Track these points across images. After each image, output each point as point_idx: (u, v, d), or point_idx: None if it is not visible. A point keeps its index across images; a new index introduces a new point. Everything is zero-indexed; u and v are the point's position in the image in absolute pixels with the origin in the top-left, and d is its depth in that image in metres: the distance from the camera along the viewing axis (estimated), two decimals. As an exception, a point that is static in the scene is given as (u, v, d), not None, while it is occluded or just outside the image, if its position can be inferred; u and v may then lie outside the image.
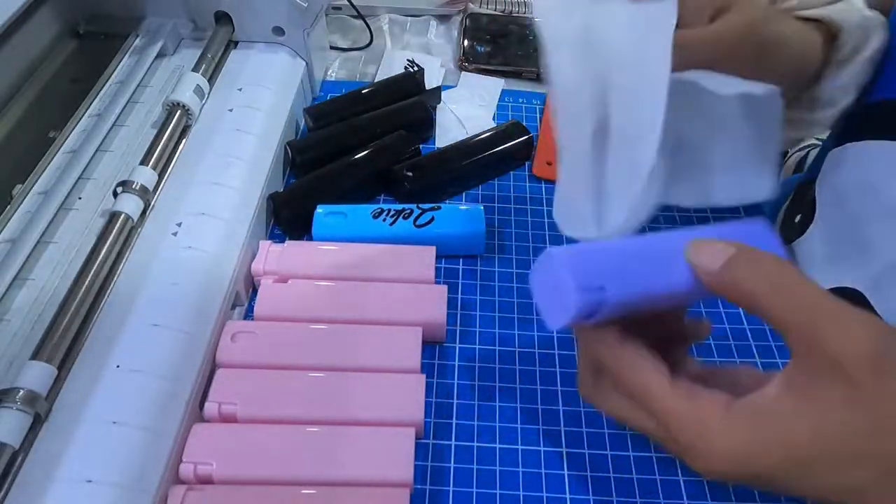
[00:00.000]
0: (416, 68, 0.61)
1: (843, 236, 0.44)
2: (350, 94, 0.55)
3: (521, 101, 0.60)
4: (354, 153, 0.49)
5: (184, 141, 0.47)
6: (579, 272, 0.25)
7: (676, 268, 0.27)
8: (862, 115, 0.43)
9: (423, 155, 0.51)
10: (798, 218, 0.49)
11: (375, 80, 0.60)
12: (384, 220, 0.45)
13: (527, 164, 0.54)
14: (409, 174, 0.48)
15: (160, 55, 0.54)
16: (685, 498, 0.36)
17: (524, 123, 0.53)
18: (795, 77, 0.40)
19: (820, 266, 0.45)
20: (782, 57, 0.37)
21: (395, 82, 0.57)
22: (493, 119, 0.58)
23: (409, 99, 0.54)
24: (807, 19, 0.39)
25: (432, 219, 0.45)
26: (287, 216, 0.47)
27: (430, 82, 0.58)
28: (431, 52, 0.65)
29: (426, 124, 0.54)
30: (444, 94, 0.58)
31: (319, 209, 0.45)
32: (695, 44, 0.32)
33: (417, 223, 0.45)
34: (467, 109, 0.58)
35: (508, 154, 0.52)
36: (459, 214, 0.46)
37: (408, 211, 0.46)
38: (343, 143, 0.50)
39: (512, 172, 0.53)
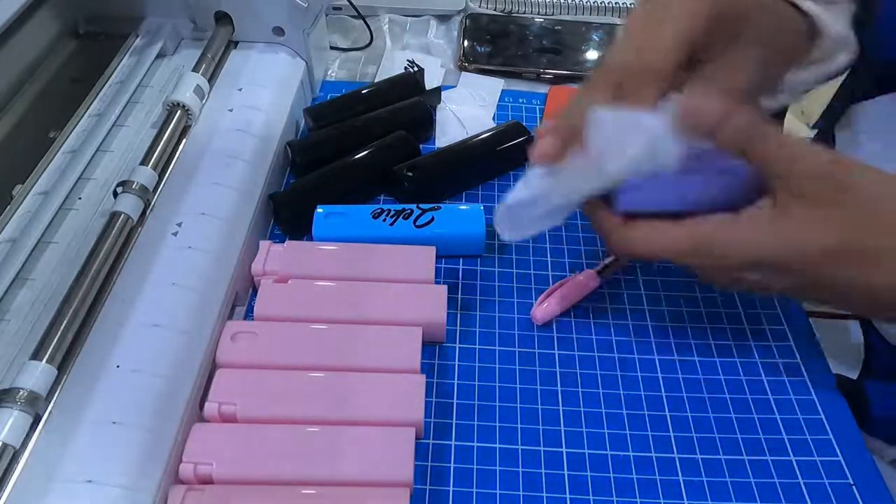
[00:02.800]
0: (416, 69, 0.61)
1: None
2: (350, 95, 0.55)
3: (521, 101, 0.60)
4: (355, 153, 0.49)
5: (184, 141, 0.47)
6: None
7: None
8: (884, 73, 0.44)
9: (422, 155, 0.51)
10: None
11: (375, 81, 0.60)
12: (384, 220, 0.45)
13: (526, 164, 0.54)
14: (410, 174, 0.48)
15: (160, 55, 0.54)
16: (685, 498, 0.36)
17: (524, 123, 0.53)
18: (774, 50, 0.38)
19: None
20: (763, 26, 0.36)
21: (394, 82, 0.57)
22: (493, 119, 0.58)
23: (409, 99, 0.54)
24: (797, 7, 0.39)
25: (432, 219, 0.45)
26: (287, 216, 0.47)
27: (431, 82, 0.59)
28: (431, 52, 0.65)
29: (426, 124, 0.54)
30: (444, 93, 0.58)
31: (320, 209, 0.45)
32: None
33: (417, 223, 0.45)
34: (467, 110, 0.58)
35: (508, 154, 0.52)
36: (459, 215, 0.46)
37: (408, 211, 0.46)
38: (343, 144, 0.50)
39: (512, 173, 0.53)
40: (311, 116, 0.53)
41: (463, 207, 0.47)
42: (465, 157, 0.51)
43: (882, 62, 0.43)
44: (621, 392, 0.40)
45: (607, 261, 0.44)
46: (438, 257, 0.44)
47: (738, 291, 0.38)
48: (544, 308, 0.42)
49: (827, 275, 0.31)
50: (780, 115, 0.48)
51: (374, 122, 0.52)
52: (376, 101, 0.54)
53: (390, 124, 0.52)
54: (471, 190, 0.51)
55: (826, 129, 0.52)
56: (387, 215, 0.45)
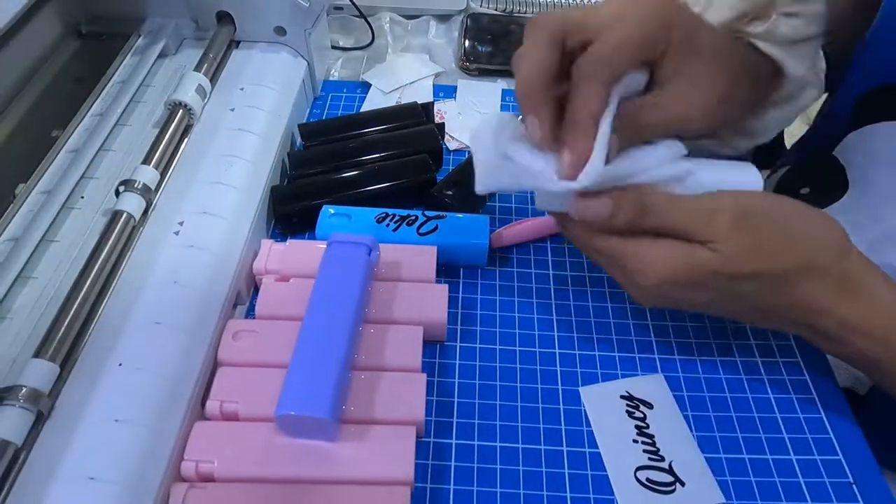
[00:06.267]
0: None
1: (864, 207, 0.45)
2: (348, 117, 0.55)
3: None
4: (362, 166, 0.49)
5: (186, 140, 0.47)
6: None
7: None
8: (868, 101, 0.45)
9: (452, 169, 0.50)
10: (806, 190, 0.52)
11: (361, 110, 0.58)
12: (387, 225, 0.45)
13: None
14: (450, 192, 0.48)
15: (162, 55, 0.54)
16: (685, 496, 0.36)
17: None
18: (741, 75, 0.38)
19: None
20: (723, 50, 0.37)
21: (398, 111, 0.55)
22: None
23: (419, 127, 0.53)
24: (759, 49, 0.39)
25: (436, 227, 0.45)
26: (284, 212, 0.47)
27: (421, 97, 0.58)
28: (432, 52, 0.65)
29: (436, 154, 0.52)
30: (444, 102, 0.58)
31: (331, 209, 0.45)
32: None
33: (420, 231, 0.45)
34: (470, 121, 0.57)
35: None
36: (463, 224, 0.46)
37: (412, 217, 0.45)
38: (343, 161, 0.50)
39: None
40: (303, 135, 0.52)
41: (466, 217, 0.46)
42: None
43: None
44: (622, 391, 0.40)
45: None
46: (440, 265, 0.44)
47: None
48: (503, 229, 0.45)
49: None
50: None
51: (381, 145, 0.51)
52: (379, 123, 0.53)
53: (399, 149, 0.51)
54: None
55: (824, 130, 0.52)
56: (390, 220, 0.45)
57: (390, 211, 0.46)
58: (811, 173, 0.53)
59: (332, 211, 0.46)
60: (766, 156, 0.74)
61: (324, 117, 0.57)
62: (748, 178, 0.35)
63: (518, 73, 0.33)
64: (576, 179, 0.33)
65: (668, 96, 0.35)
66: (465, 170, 0.50)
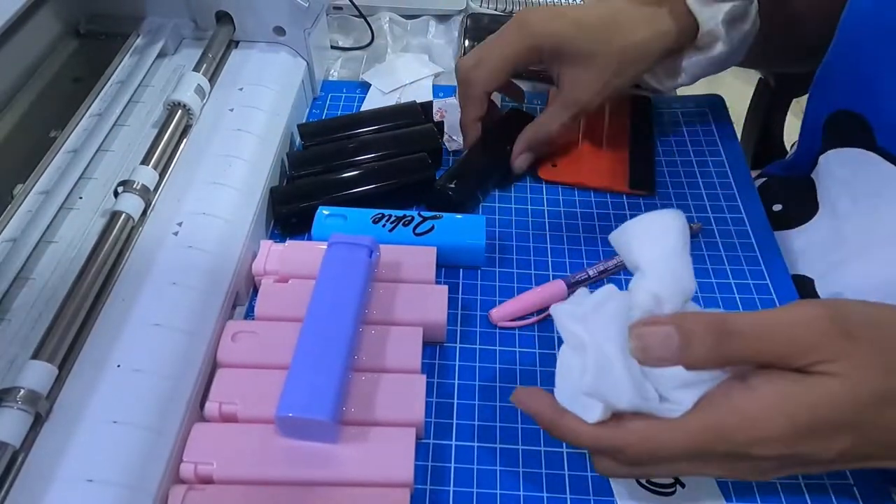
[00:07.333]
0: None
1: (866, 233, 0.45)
2: (348, 117, 0.55)
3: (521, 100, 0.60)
4: (361, 166, 0.49)
5: (185, 140, 0.47)
6: None
7: None
8: (831, 125, 0.46)
9: (451, 165, 0.51)
10: (778, 208, 0.52)
11: (361, 110, 0.58)
12: (384, 225, 0.45)
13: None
14: (452, 186, 0.48)
15: (161, 55, 0.54)
16: (686, 498, 0.36)
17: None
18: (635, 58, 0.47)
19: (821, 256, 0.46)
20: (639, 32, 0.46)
21: (397, 111, 0.55)
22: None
23: (419, 126, 0.53)
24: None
25: (432, 227, 0.45)
26: (283, 212, 0.47)
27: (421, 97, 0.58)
28: (431, 53, 0.65)
29: (436, 153, 0.52)
30: (443, 101, 0.58)
31: (325, 210, 0.45)
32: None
33: (417, 231, 0.45)
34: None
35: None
36: (460, 224, 0.45)
37: (408, 218, 0.45)
38: (343, 161, 0.50)
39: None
40: (304, 135, 0.52)
41: (463, 217, 0.46)
42: (489, 156, 0.51)
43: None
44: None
45: (580, 276, 0.44)
46: (437, 266, 0.43)
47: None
48: (501, 308, 0.43)
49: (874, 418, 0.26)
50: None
51: (379, 145, 0.51)
52: (376, 124, 0.53)
53: (399, 148, 0.51)
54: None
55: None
56: (387, 221, 0.45)
57: (386, 212, 0.46)
58: (785, 190, 0.53)
59: (326, 212, 0.45)
60: (762, 153, 0.75)
61: (323, 117, 0.57)
62: (664, 218, 0.32)
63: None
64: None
65: (560, 91, 0.48)
66: (467, 163, 0.51)
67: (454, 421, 0.38)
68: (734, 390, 0.27)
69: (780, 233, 0.49)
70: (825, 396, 0.25)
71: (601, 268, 0.45)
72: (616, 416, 0.30)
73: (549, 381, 0.40)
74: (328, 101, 0.59)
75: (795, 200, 0.50)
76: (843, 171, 0.45)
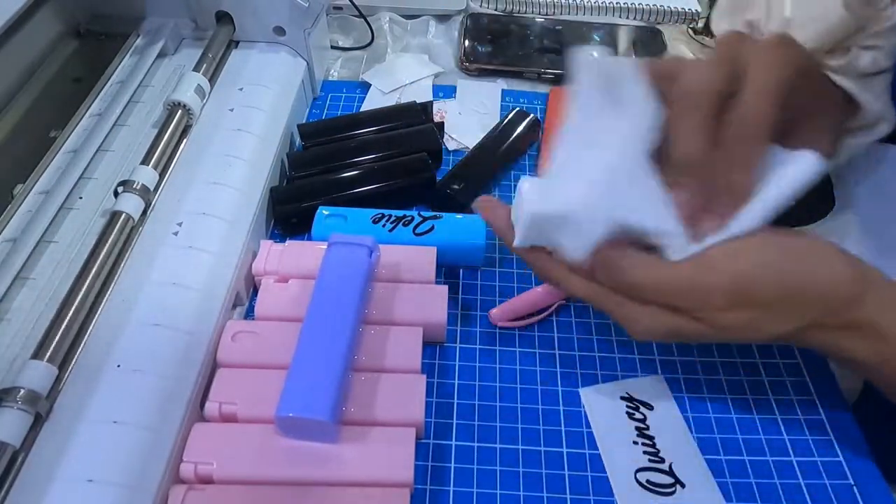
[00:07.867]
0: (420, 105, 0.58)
1: (886, 231, 0.44)
2: (348, 117, 0.55)
3: (522, 101, 0.60)
4: (361, 166, 0.49)
5: (185, 141, 0.47)
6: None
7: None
8: None
9: (453, 166, 0.51)
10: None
11: (361, 110, 0.58)
12: (383, 225, 0.45)
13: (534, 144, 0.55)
14: (455, 186, 0.48)
15: (161, 55, 0.54)
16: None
17: (525, 123, 0.53)
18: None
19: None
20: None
21: (397, 111, 0.55)
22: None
23: (418, 126, 0.53)
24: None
25: (432, 227, 0.45)
26: (283, 212, 0.47)
27: (421, 97, 0.58)
28: (431, 53, 0.65)
29: (435, 153, 0.52)
30: (444, 102, 0.58)
31: (325, 210, 0.45)
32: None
33: (417, 231, 0.45)
34: (469, 120, 0.57)
35: (519, 140, 0.53)
36: (460, 224, 0.45)
37: (408, 218, 0.45)
38: (343, 161, 0.50)
39: (512, 173, 0.53)
40: (303, 135, 0.52)
41: (463, 217, 0.46)
42: (491, 158, 0.51)
43: None
44: (622, 392, 0.40)
45: None
46: (437, 266, 0.43)
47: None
48: (501, 308, 0.43)
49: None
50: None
51: (380, 145, 0.51)
52: (378, 123, 0.53)
53: (399, 148, 0.51)
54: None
55: None
56: (387, 221, 0.45)
57: (386, 212, 0.46)
58: None
59: (326, 212, 0.45)
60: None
61: (323, 117, 0.57)
62: (804, 166, 0.33)
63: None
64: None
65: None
66: (469, 163, 0.50)
67: (454, 421, 0.38)
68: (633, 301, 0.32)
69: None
70: (689, 330, 0.32)
71: None
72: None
73: (549, 380, 0.40)
74: (328, 102, 0.59)
75: (808, 195, 0.50)
76: (863, 164, 0.44)
